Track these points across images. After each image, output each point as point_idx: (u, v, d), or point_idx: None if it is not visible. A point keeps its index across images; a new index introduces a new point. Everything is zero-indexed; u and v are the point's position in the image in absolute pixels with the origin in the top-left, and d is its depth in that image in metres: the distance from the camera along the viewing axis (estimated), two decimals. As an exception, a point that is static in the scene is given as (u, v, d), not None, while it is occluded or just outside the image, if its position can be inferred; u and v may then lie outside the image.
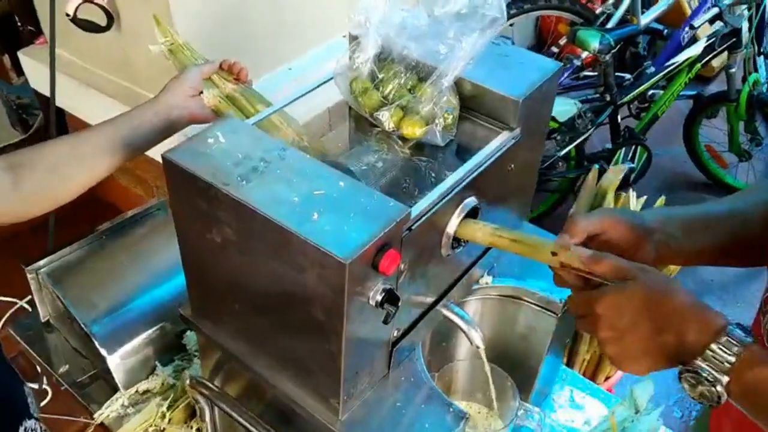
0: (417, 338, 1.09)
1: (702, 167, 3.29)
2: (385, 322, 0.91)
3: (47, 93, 2.14)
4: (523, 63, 1.09)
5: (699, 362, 0.73)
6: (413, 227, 0.91)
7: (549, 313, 1.20)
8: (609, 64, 2.65)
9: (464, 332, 1.13)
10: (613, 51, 2.59)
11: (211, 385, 1.15)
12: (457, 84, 1.05)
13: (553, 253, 0.91)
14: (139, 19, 1.72)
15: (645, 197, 1.70)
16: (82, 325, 1.38)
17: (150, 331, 1.42)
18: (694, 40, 2.91)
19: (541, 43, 3.97)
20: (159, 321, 1.43)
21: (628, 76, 2.97)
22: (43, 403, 1.82)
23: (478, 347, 1.13)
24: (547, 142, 2.80)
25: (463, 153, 1.05)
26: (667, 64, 2.84)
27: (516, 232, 0.98)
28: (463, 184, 0.98)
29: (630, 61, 3.36)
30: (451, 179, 0.97)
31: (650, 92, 2.93)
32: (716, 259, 0.98)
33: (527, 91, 1.03)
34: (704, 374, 0.73)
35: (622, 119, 2.90)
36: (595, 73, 2.89)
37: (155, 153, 1.85)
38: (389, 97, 1.04)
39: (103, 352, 1.37)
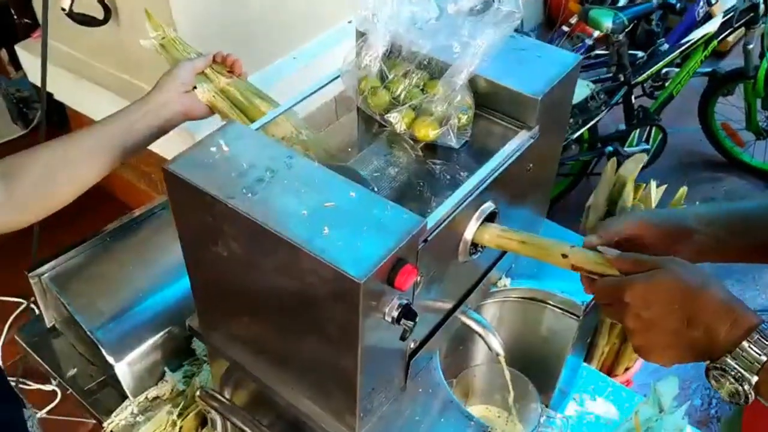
0: (434, 347, 1.04)
1: (718, 146, 3.21)
2: (402, 338, 0.86)
3: (50, 88, 2.09)
4: (541, 57, 1.03)
5: (728, 359, 0.70)
6: (430, 238, 0.86)
7: (571, 315, 1.15)
8: (623, 44, 2.58)
9: (483, 339, 1.08)
10: (626, 30, 2.51)
11: (221, 397, 1.11)
12: (472, 81, 1.00)
13: (564, 255, 0.87)
14: (138, 11, 1.66)
15: (666, 186, 1.64)
16: (88, 332, 1.35)
17: (158, 336, 1.38)
18: (709, 15, 2.83)
19: (551, 21, 3.88)
20: (167, 325, 1.39)
21: (641, 53, 2.89)
22: (53, 404, 1.79)
23: (497, 354, 1.09)
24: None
25: (479, 154, 1.00)
26: (683, 41, 2.76)
27: (525, 233, 0.93)
28: (481, 188, 0.93)
29: (642, 37, 3.27)
30: (469, 184, 0.92)
31: (664, 70, 2.86)
32: (759, 257, 0.93)
33: (546, 87, 0.97)
34: (732, 372, 0.70)
35: (635, 99, 2.82)
36: (608, 52, 2.81)
37: (158, 148, 1.81)
38: (400, 98, 0.98)
39: (110, 359, 1.33)
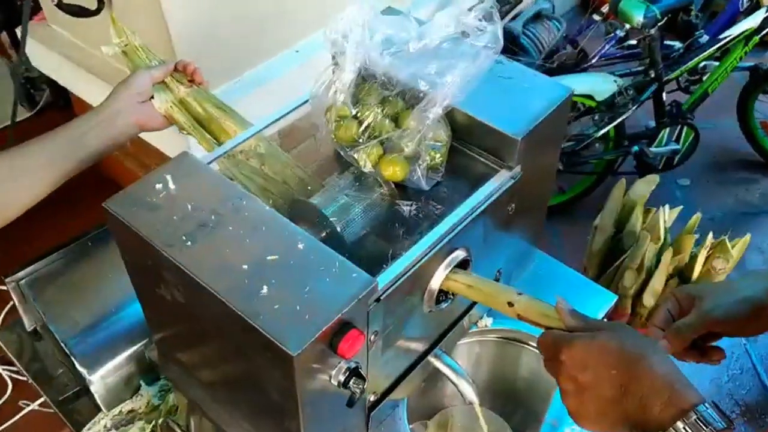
0: (401, 395, 0.98)
1: (755, 145, 3.03)
2: (350, 404, 0.80)
3: (49, 73, 2.06)
4: (528, 89, 0.93)
5: None
6: (385, 295, 0.79)
7: (554, 362, 1.07)
8: (654, 38, 2.42)
9: (456, 386, 1.01)
10: (659, 24, 2.36)
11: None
12: (449, 113, 0.91)
13: (510, 304, 0.82)
14: (132, 1, 1.60)
15: (681, 207, 1.53)
16: (61, 343, 1.31)
17: (134, 349, 1.34)
18: (753, 7, 2.64)
19: (585, 5, 3.70)
20: (143, 337, 1.35)
21: (678, 44, 2.73)
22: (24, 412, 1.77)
23: (470, 402, 1.01)
24: (583, 120, 2.60)
25: (453, 196, 0.92)
26: (722, 36, 2.58)
27: (474, 277, 0.87)
28: (451, 236, 0.85)
29: (682, 26, 3.09)
30: (436, 232, 0.84)
31: (702, 64, 2.69)
32: None
33: (528, 126, 0.88)
34: None
35: (668, 93, 2.67)
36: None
37: (155, 140, 1.76)
38: (369, 129, 0.90)
39: (83, 371, 1.30)
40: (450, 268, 0.88)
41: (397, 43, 0.91)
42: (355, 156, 0.88)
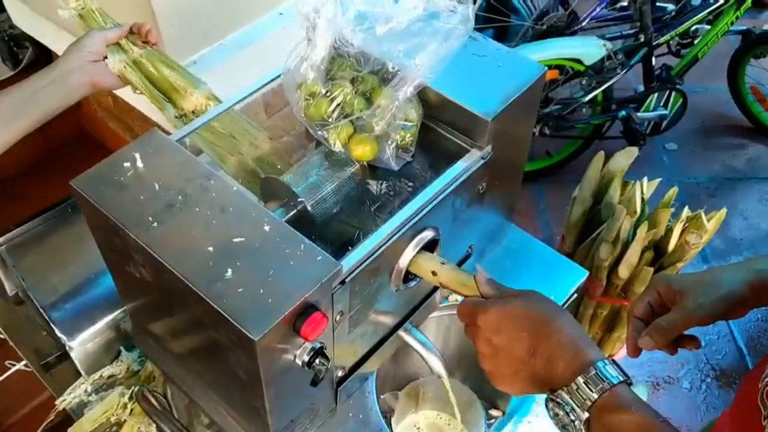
0: (370, 368, 1.00)
1: (745, 110, 3.02)
2: (314, 383, 0.81)
3: (30, 31, 2.02)
4: (501, 67, 0.93)
5: (563, 393, 0.70)
6: (350, 277, 0.79)
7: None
8: (645, 1, 2.39)
9: (425, 360, 1.03)
10: (650, -14, 2.32)
11: (154, 401, 1.09)
12: (421, 91, 0.90)
13: (434, 273, 0.87)
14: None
15: (659, 180, 1.54)
16: (41, 310, 1.32)
17: (114, 315, 1.35)
18: (749, -33, 2.60)
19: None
20: (123, 303, 1.36)
21: (671, 6, 2.69)
22: (10, 371, 1.80)
23: (439, 376, 1.04)
24: (571, 85, 2.58)
25: (423, 175, 0.92)
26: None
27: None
28: (418, 217, 0.86)
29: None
30: (403, 214, 0.84)
31: (693, 27, 2.66)
32: None
33: (499, 107, 0.88)
34: (566, 406, 0.69)
35: (658, 57, 2.64)
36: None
37: (137, 101, 1.74)
38: (339, 107, 0.89)
39: (62, 337, 1.31)
40: (418, 248, 0.89)
41: (370, 19, 0.90)
42: (325, 135, 0.88)
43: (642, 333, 0.86)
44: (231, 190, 0.81)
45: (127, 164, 0.83)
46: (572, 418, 0.69)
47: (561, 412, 0.69)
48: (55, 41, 1.97)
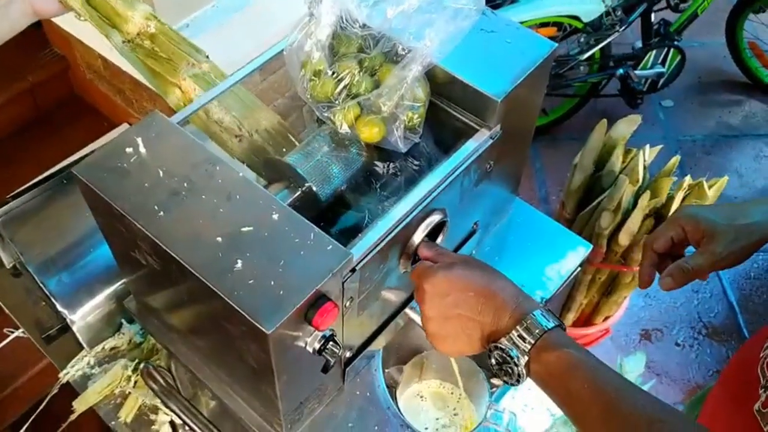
0: (377, 347, 1.00)
1: (742, 65, 3.00)
2: (325, 370, 0.81)
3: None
4: (511, 43, 0.90)
5: (504, 340, 0.75)
6: (359, 266, 0.79)
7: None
8: (646, -45, 2.34)
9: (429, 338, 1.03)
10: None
11: (160, 378, 1.09)
12: (429, 70, 0.88)
13: None
14: None
15: (660, 146, 1.52)
16: (40, 283, 1.31)
17: (115, 287, 1.34)
18: None
19: None
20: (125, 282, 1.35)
21: (671, -40, 2.64)
22: (9, 339, 1.80)
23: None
24: (568, 41, 2.54)
25: (431, 156, 0.91)
26: (715, -48, 2.50)
27: None
28: (428, 200, 0.85)
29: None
30: (412, 198, 0.83)
31: (693, -20, 2.61)
32: None
33: (509, 86, 0.86)
34: (506, 352, 0.75)
35: (657, 11, 2.60)
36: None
37: (125, 64, 1.70)
38: (345, 88, 0.87)
39: (63, 311, 1.31)
40: (427, 230, 0.88)
41: (376, -6, 0.87)
42: (331, 116, 0.86)
43: (664, 272, 0.87)
44: (237, 176, 0.79)
45: (129, 150, 0.81)
46: (515, 361, 0.74)
47: (504, 356, 0.75)
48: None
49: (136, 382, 1.34)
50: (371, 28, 0.87)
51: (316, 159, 0.89)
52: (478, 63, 0.88)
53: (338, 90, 0.86)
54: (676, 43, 2.59)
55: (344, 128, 0.86)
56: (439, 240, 0.93)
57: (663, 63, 2.64)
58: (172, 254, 0.73)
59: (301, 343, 0.77)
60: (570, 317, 1.80)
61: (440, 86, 0.90)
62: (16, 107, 2.18)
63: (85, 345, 1.36)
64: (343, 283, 0.77)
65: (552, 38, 2.46)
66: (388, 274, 0.88)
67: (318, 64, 0.88)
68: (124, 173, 0.79)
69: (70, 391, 1.35)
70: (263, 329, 0.68)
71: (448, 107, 0.92)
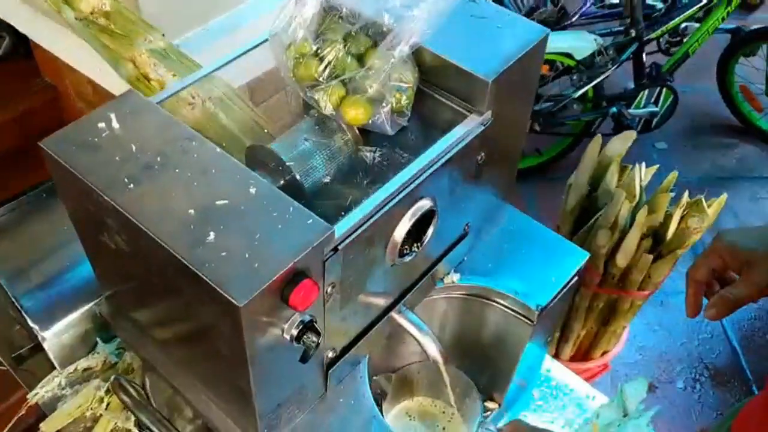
0: (362, 352, 0.94)
1: (734, 109, 3.01)
2: (304, 360, 0.75)
3: (6, 17, 1.96)
4: (502, 28, 0.88)
5: None
6: (343, 245, 0.74)
7: (524, 320, 1.03)
8: (636, -5, 2.37)
9: (419, 343, 0.98)
10: (641, -20, 2.30)
11: (132, 390, 1.02)
12: (417, 52, 0.85)
13: None
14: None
15: (657, 166, 1.50)
16: (13, 299, 1.25)
17: (90, 305, 1.28)
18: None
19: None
20: (99, 293, 1.29)
21: (660, 4, 2.68)
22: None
23: (435, 361, 0.98)
24: (562, 80, 2.55)
25: (419, 142, 0.87)
26: (704, -5, 2.54)
27: None
28: (415, 183, 0.80)
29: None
30: (399, 179, 0.79)
31: (683, 25, 2.64)
32: None
33: (500, 67, 0.83)
34: None
35: (648, 55, 2.62)
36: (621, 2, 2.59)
37: (118, 90, 1.68)
38: (330, 67, 0.84)
39: (35, 327, 1.24)
40: (415, 219, 0.83)
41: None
42: (316, 97, 0.83)
43: (708, 304, 0.84)
44: (214, 152, 0.75)
45: (101, 125, 0.77)
46: None
47: None
48: (34, 30, 1.91)
49: (108, 404, 1.27)
50: (357, 7, 0.85)
51: (301, 146, 0.85)
52: (468, 46, 0.85)
53: (322, 68, 0.83)
54: (668, 82, 2.60)
55: (329, 109, 0.83)
56: (428, 233, 0.88)
57: (656, 103, 2.65)
58: (140, 226, 0.68)
59: (278, 330, 0.72)
60: (567, 351, 1.73)
61: (429, 71, 0.87)
62: (3, 136, 2.16)
63: (57, 365, 1.29)
64: (324, 262, 0.71)
65: (544, 76, 2.49)
66: (373, 265, 0.83)
67: (302, 46, 0.85)
68: (94, 147, 0.75)
69: (42, 416, 1.28)
70: (235, 302, 0.63)
71: (437, 94, 0.89)
